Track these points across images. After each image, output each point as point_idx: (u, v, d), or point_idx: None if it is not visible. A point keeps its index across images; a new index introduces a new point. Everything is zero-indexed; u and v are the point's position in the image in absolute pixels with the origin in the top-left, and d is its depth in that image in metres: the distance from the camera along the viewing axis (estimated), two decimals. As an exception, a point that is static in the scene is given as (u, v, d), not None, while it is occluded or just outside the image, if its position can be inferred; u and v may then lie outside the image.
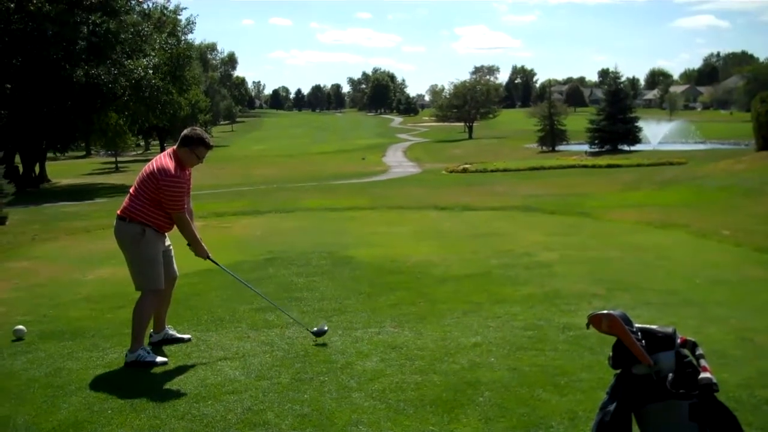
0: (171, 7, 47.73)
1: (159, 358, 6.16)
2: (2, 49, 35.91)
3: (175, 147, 6.40)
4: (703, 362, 3.75)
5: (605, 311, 3.83)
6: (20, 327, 7.12)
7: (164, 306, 6.68)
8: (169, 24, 46.15)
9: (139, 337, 6.21)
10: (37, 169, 43.46)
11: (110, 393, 5.43)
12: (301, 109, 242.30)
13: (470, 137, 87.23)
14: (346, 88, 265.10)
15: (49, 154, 49.23)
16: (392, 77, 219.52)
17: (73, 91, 35.87)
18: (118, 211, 6.35)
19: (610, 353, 3.89)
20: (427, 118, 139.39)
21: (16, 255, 12.91)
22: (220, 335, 6.89)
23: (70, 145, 49.46)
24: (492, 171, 37.18)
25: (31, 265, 11.77)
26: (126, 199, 6.32)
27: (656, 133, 60.86)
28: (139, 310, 6.28)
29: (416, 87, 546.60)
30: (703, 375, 3.67)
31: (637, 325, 3.83)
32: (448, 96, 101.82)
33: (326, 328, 6.62)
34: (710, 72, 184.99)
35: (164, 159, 6.26)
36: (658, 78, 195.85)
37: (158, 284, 6.36)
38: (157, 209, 6.22)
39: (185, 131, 6.43)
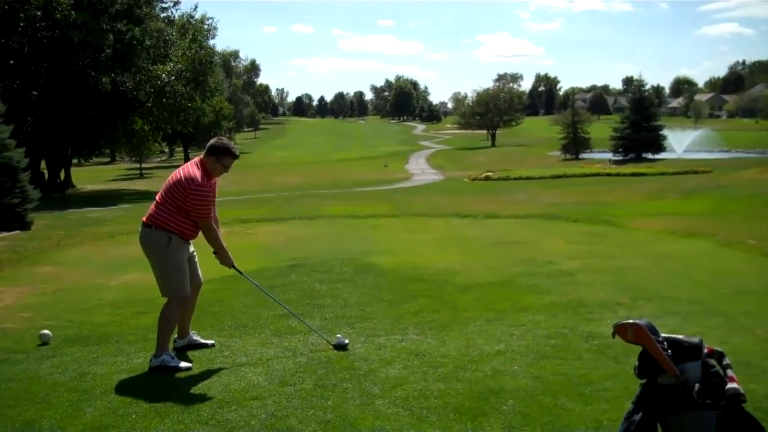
0: (197, 16, 48.04)
1: (183, 364, 6.19)
2: (29, 56, 36.31)
3: (201, 156, 6.43)
4: (730, 372, 3.72)
5: (631, 320, 3.81)
6: (46, 331, 7.18)
7: (189, 312, 6.72)
8: (191, 30, 46.44)
9: (164, 343, 6.24)
10: (62, 175, 43.84)
11: (135, 397, 5.46)
12: (324, 116, 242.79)
13: (493, 145, 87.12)
14: (368, 96, 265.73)
15: (74, 160, 49.67)
16: (415, 84, 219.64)
17: (99, 98, 36.19)
18: (144, 218, 6.37)
19: (636, 363, 3.86)
20: (449, 125, 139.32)
21: (42, 260, 13.03)
22: (244, 341, 6.91)
23: (95, 151, 49.88)
24: (515, 179, 37.08)
25: (56, 271, 11.87)
26: (152, 206, 6.36)
27: (681, 141, 60.49)
28: (165, 316, 6.31)
29: (439, 94, 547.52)
30: (730, 385, 3.64)
31: (663, 335, 3.81)
32: (471, 103, 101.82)
33: (346, 341, 6.61)
34: (735, 80, 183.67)
35: (191, 168, 6.30)
36: (682, 86, 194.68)
37: (184, 291, 6.40)
38: (183, 217, 6.26)
39: (212, 141, 6.48)
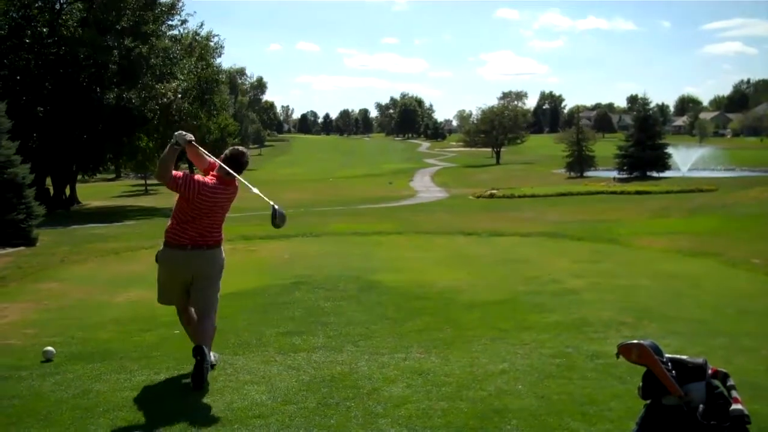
0: (203, 33, 48.24)
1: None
2: (35, 72, 36.51)
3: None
4: (734, 393, 3.71)
5: (635, 341, 3.80)
6: (49, 348, 7.18)
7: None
8: (198, 48, 46.62)
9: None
10: (67, 191, 43.93)
11: (137, 415, 5.45)
12: (329, 133, 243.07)
13: (498, 162, 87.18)
14: (373, 113, 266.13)
15: (79, 177, 49.80)
16: (420, 102, 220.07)
17: (104, 114, 36.33)
18: (210, 242, 6.51)
19: (640, 383, 3.85)
20: (454, 143, 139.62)
21: (46, 276, 13.03)
22: (247, 359, 6.89)
23: (100, 167, 50.02)
24: (519, 196, 37.08)
25: (61, 287, 11.88)
26: (211, 228, 6.50)
27: (686, 159, 60.50)
28: (213, 325, 6.52)
29: (443, 112, 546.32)
30: (734, 406, 3.63)
31: (667, 355, 3.80)
32: (475, 121, 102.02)
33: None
34: (740, 99, 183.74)
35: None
36: (687, 104, 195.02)
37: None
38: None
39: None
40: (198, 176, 6.51)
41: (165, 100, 39.81)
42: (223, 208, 6.58)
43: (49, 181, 41.14)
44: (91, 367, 6.73)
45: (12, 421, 5.39)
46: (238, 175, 6.55)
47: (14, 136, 20.47)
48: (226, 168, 6.44)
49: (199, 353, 6.06)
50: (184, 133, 6.47)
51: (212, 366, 6.54)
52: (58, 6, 38.03)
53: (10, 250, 17.20)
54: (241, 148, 6.76)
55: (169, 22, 43.76)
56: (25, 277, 13.04)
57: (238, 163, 6.57)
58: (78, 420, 5.40)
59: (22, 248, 17.63)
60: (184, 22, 44.63)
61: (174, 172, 6.31)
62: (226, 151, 6.67)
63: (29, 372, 6.66)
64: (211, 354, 6.60)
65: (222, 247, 6.68)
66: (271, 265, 13.46)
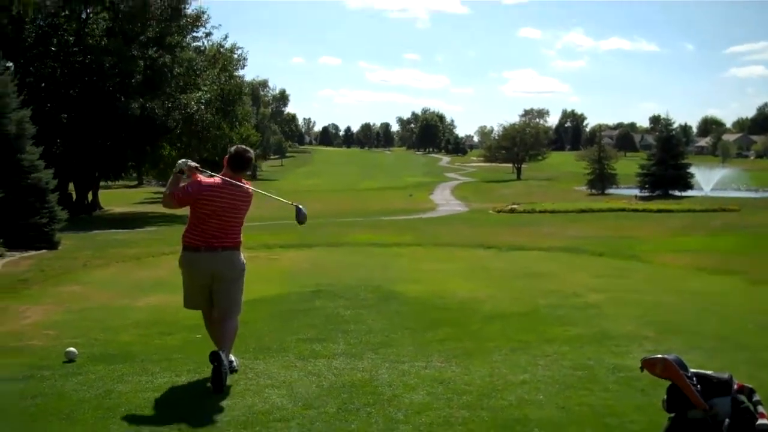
0: (227, 45, 48.52)
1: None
2: (61, 80, 36.88)
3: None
4: (760, 408, 3.70)
5: (660, 356, 3.79)
6: (72, 349, 7.23)
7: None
8: (222, 60, 46.90)
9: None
10: (89, 196, 44.26)
11: (159, 417, 5.48)
12: (350, 146, 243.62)
13: (518, 178, 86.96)
14: (395, 127, 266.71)
15: (102, 182, 50.14)
16: (441, 117, 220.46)
17: (128, 123, 36.62)
18: (225, 244, 6.52)
19: (665, 396, 3.83)
20: (475, 158, 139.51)
21: (68, 280, 13.12)
22: (268, 364, 6.90)
23: (122, 174, 50.38)
24: (540, 212, 36.86)
25: (83, 290, 11.96)
26: (224, 230, 6.51)
27: (708, 179, 60.10)
28: (234, 327, 6.62)
29: (464, 127, 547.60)
30: (760, 421, 3.61)
31: (692, 370, 3.78)
32: (497, 137, 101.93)
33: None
34: (764, 121, 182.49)
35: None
36: (710, 126, 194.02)
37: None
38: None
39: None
40: (203, 177, 6.58)
41: (188, 110, 40.06)
42: (235, 209, 6.57)
43: (71, 186, 41.46)
44: (112, 369, 6.76)
45: (35, 420, 5.44)
46: (244, 172, 6.68)
47: (38, 141, 20.67)
48: (230, 180, 6.52)
49: (215, 359, 6.08)
50: (187, 160, 6.64)
51: (232, 370, 6.55)
52: (84, 15, 38.40)
53: (32, 253, 17.33)
54: (244, 146, 6.85)
55: (194, 34, 44.10)
56: (47, 279, 13.14)
57: (241, 159, 6.64)
58: (100, 420, 5.43)
59: (44, 251, 17.78)
60: (208, 34, 44.92)
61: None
62: (230, 149, 6.75)
63: (52, 372, 6.70)
64: (231, 357, 6.63)
65: (241, 251, 6.68)
66: (292, 273, 13.51)
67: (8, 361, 7.21)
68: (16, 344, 8.01)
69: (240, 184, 6.58)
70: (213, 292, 6.57)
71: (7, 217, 17.06)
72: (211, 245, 6.46)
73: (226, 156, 6.68)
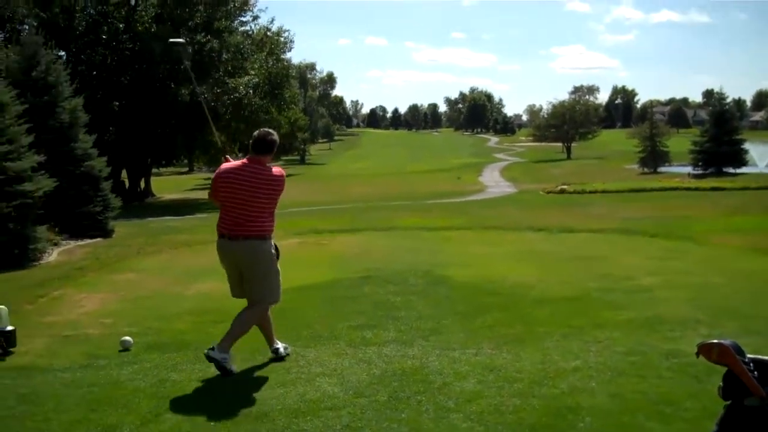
0: (274, 29, 48.65)
1: (234, 367, 6.38)
2: (111, 68, 37.38)
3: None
4: (819, 395, 3.61)
5: (716, 340, 3.72)
6: (127, 338, 7.37)
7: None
8: (269, 43, 47.05)
9: (234, 342, 6.42)
10: (142, 183, 44.87)
11: (212, 405, 5.55)
12: (398, 128, 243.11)
13: (568, 157, 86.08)
14: (442, 108, 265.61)
15: (153, 170, 50.82)
16: (489, 97, 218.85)
17: (178, 109, 37.00)
18: (247, 233, 6.42)
19: (721, 383, 3.77)
20: (524, 138, 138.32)
21: (123, 267, 13.35)
22: (319, 351, 6.96)
23: (173, 161, 50.96)
24: (591, 192, 36.45)
25: (137, 278, 12.16)
26: (245, 217, 6.42)
27: (763, 155, 58.75)
28: (250, 318, 6.54)
29: (512, 106, 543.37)
30: (819, 409, 3.53)
31: (749, 355, 3.71)
32: (546, 116, 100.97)
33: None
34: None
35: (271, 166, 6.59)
36: (765, 99, 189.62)
37: (279, 296, 6.72)
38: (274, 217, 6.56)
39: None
40: (229, 162, 6.63)
41: (237, 94, 40.32)
42: (255, 194, 6.39)
43: (124, 173, 42.09)
44: (167, 357, 6.88)
45: (92, 408, 5.54)
46: (269, 154, 6.57)
47: (91, 129, 20.95)
48: (251, 165, 6.49)
49: (210, 359, 6.25)
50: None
51: (283, 357, 6.65)
52: (133, 2, 38.81)
53: (88, 241, 17.66)
54: (267, 129, 6.78)
55: (241, 18, 44.29)
56: (102, 267, 13.38)
57: (264, 142, 6.53)
58: (154, 409, 5.53)
59: (99, 240, 18.09)
60: (255, 18, 45.08)
61: None
62: (254, 133, 6.67)
63: (107, 361, 6.85)
64: (279, 345, 6.76)
65: (268, 240, 6.54)
66: (341, 258, 13.56)
67: (66, 350, 7.38)
68: (73, 333, 8.19)
69: (262, 167, 6.46)
70: (244, 281, 6.57)
71: (62, 206, 17.35)
72: (234, 233, 6.42)
73: (250, 142, 6.62)
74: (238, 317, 6.55)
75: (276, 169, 6.59)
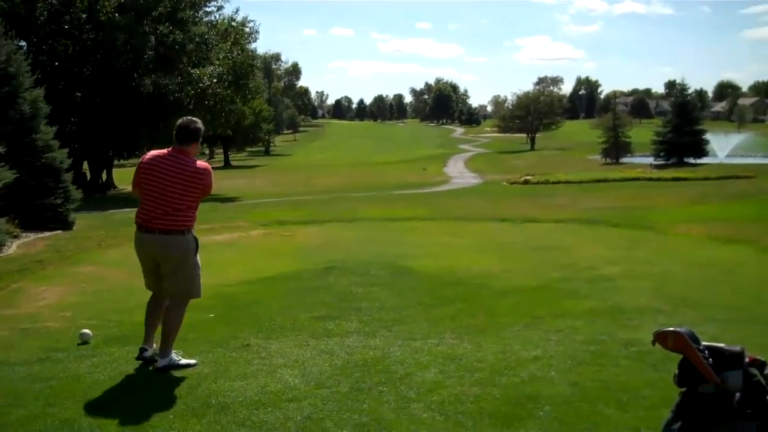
0: (239, 19, 48.32)
1: (192, 361, 6.30)
2: (74, 58, 36.85)
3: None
4: (772, 382, 3.67)
5: (671, 328, 3.76)
6: (86, 331, 7.29)
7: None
8: (233, 34, 46.74)
9: (173, 343, 6.30)
10: (104, 175, 44.37)
11: (173, 397, 5.51)
12: (363, 118, 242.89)
13: (532, 148, 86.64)
14: (408, 99, 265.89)
15: (116, 161, 50.31)
16: (454, 88, 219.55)
17: (141, 100, 36.64)
18: (163, 226, 6.15)
19: (676, 371, 3.82)
20: (489, 128, 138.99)
21: (83, 260, 13.20)
22: (281, 343, 6.93)
23: (136, 152, 50.52)
24: (554, 183, 36.72)
25: (97, 270, 12.04)
26: (162, 210, 6.13)
27: (724, 146, 59.60)
28: (178, 316, 6.34)
29: (478, 97, 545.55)
30: (772, 395, 3.59)
31: (704, 343, 3.76)
32: (510, 107, 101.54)
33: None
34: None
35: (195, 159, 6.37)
36: (726, 90, 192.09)
37: (200, 291, 6.53)
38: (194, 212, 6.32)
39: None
40: (152, 151, 6.44)
41: (201, 85, 40.00)
42: (177, 186, 6.11)
43: (86, 165, 41.60)
44: (127, 350, 6.80)
45: (49, 403, 5.47)
46: (193, 143, 6.33)
47: (52, 121, 20.70)
48: (175, 155, 6.25)
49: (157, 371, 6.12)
50: None
51: (146, 359, 6.35)
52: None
53: (48, 234, 17.44)
54: (190, 117, 6.50)
55: (206, 8, 43.93)
56: (62, 260, 13.23)
57: (187, 130, 6.28)
58: (114, 401, 5.48)
59: (59, 232, 17.88)
60: (220, 8, 44.80)
61: None
62: (177, 122, 6.41)
63: (66, 354, 6.76)
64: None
65: (187, 233, 6.26)
66: (305, 249, 13.55)
67: (24, 344, 7.28)
68: (31, 326, 8.08)
69: (185, 158, 6.22)
70: (161, 275, 6.35)
71: (22, 198, 17.14)
72: (150, 225, 6.20)
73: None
74: (166, 320, 6.35)
75: (201, 164, 6.32)
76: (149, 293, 6.61)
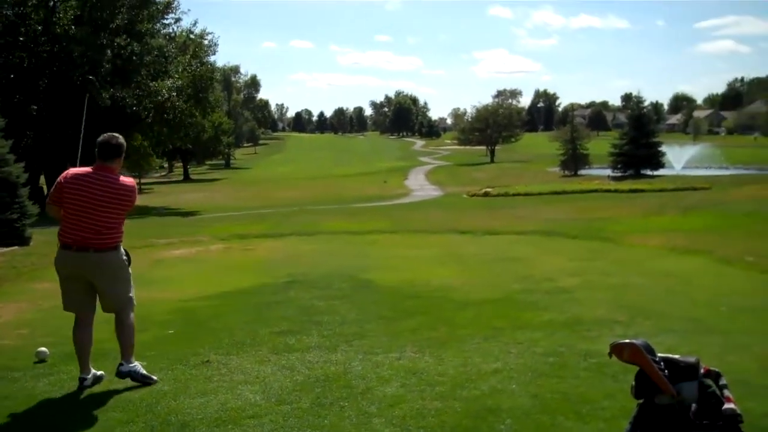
0: (197, 31, 48.12)
1: (153, 377, 6.27)
2: (29, 70, 36.41)
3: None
4: (726, 392, 3.72)
5: (627, 340, 3.81)
6: (43, 349, 7.17)
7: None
8: (192, 46, 46.54)
9: (133, 349, 6.31)
10: (61, 190, 43.81)
11: (131, 415, 5.44)
12: (324, 131, 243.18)
13: (492, 161, 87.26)
14: (368, 111, 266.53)
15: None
16: (414, 100, 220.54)
17: (98, 113, 36.30)
18: (97, 244, 6.10)
19: (633, 382, 3.86)
20: (449, 141, 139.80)
21: (40, 276, 12.98)
22: (241, 359, 6.88)
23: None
24: (514, 195, 37.06)
25: (54, 287, 11.70)
26: (93, 230, 6.07)
27: (680, 157, 60.56)
28: (131, 326, 6.35)
29: (438, 110, 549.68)
30: (727, 405, 3.64)
31: (659, 354, 3.81)
32: (470, 119, 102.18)
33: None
34: (734, 97, 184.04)
35: (120, 175, 6.31)
36: (681, 102, 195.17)
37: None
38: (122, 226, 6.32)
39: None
40: (73, 168, 6.32)
41: (159, 98, 39.76)
42: (106, 205, 6.09)
43: (43, 179, 41.06)
44: (84, 368, 6.70)
45: (4, 423, 5.38)
46: (115, 159, 6.26)
47: (8, 134, 20.41)
48: (99, 172, 6.20)
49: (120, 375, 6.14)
50: None
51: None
52: (52, 3, 37.89)
53: (3, 249, 17.15)
54: (111, 133, 6.41)
55: (164, 21, 43.69)
56: (19, 276, 13.05)
57: (109, 146, 6.22)
58: (71, 421, 5.40)
59: (15, 248, 17.59)
60: (178, 20, 44.53)
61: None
62: (98, 139, 6.32)
63: (22, 373, 6.65)
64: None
65: (119, 248, 6.27)
66: (266, 263, 13.49)
67: (-21, 363, 7.14)
68: (-13, 345, 7.94)
69: (111, 175, 6.18)
70: (97, 291, 6.29)
71: (-23, 214, 16.87)
72: (81, 244, 6.09)
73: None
74: (121, 333, 6.31)
75: (127, 180, 6.33)
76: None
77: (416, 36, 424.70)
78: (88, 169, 6.22)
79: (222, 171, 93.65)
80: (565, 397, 5.54)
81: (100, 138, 6.28)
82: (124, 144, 6.41)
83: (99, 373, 6.34)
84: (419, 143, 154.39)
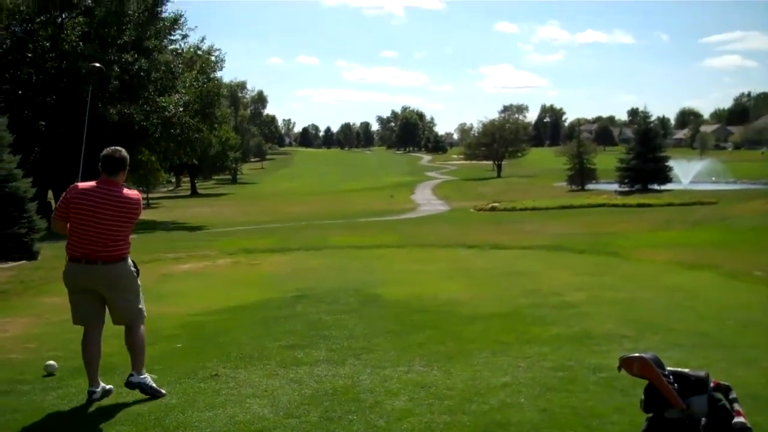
0: (204, 47, 48.36)
1: (161, 390, 6.28)
2: (37, 86, 36.61)
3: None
4: (736, 406, 3.72)
5: (637, 354, 3.80)
6: (51, 362, 7.18)
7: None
8: (199, 62, 46.75)
9: (144, 361, 6.37)
10: (69, 205, 43.94)
11: (141, 428, 5.44)
12: (330, 146, 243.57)
13: (499, 176, 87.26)
14: (375, 126, 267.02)
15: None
16: (421, 116, 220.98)
17: (106, 129, 36.46)
18: (105, 257, 6.17)
19: (642, 396, 3.85)
20: (455, 156, 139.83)
21: (48, 290, 13.02)
22: (249, 372, 6.89)
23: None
24: (521, 209, 37.04)
25: (62, 301, 11.74)
26: (102, 243, 6.16)
27: (687, 172, 60.50)
28: (142, 338, 6.42)
29: (444, 125, 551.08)
30: (737, 419, 3.63)
31: (669, 368, 3.80)
32: (476, 134, 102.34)
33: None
34: (741, 112, 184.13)
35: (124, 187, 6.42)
36: (688, 117, 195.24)
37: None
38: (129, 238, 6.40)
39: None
40: (80, 183, 6.41)
41: (166, 113, 39.92)
42: (113, 218, 6.19)
43: (51, 194, 41.20)
44: (93, 381, 6.71)
45: (14, 436, 5.39)
46: (119, 172, 6.37)
47: (16, 150, 20.53)
48: (103, 186, 6.30)
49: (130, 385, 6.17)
50: None
51: (106, 394, 6.27)
52: (59, 20, 38.14)
53: (11, 264, 17.23)
54: (114, 147, 6.50)
55: (171, 37, 43.92)
56: (27, 291, 13.07)
57: (113, 159, 6.34)
58: (80, 434, 5.41)
59: (23, 262, 17.66)
60: (185, 36, 44.78)
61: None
62: (101, 153, 6.41)
63: (31, 386, 6.65)
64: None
65: (127, 259, 6.35)
66: (273, 278, 13.50)
67: (-13, 376, 7.16)
68: (-5, 358, 7.96)
69: (116, 188, 6.29)
70: (108, 308, 6.37)
71: (-15, 228, 16.94)
72: (91, 257, 6.16)
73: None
74: (133, 346, 6.37)
75: (132, 193, 6.44)
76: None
77: (422, 51, 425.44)
78: (93, 183, 6.29)
79: (229, 186, 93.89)
80: (574, 411, 5.53)
81: (104, 152, 6.37)
82: (128, 157, 6.49)
83: (108, 387, 6.35)
84: (426, 158, 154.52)
